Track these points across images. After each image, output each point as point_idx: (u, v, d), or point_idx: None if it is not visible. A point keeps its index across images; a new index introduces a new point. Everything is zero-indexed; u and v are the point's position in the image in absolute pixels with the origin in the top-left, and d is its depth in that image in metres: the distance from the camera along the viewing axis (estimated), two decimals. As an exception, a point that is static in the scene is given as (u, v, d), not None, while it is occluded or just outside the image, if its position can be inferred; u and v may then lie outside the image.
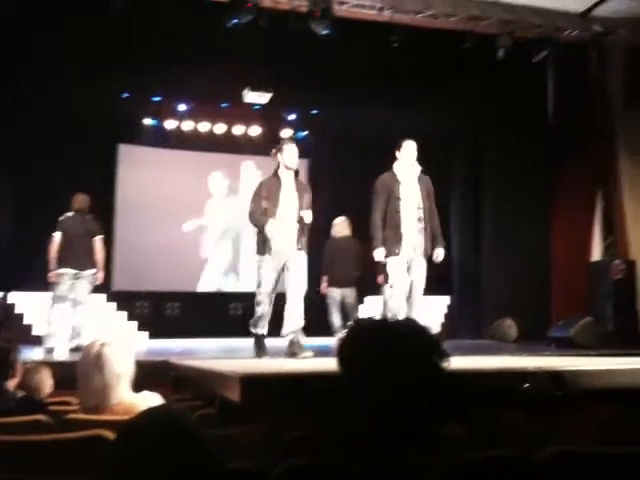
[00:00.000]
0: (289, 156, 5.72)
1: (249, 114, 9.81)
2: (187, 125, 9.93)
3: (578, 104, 8.30)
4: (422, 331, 1.41)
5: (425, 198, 5.82)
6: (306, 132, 10.30)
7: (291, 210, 5.64)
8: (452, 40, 7.48)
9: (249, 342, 5.68)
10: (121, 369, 2.46)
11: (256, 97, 8.72)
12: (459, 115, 9.49)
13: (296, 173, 5.78)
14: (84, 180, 7.83)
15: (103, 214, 9.14)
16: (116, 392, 2.43)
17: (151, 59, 7.56)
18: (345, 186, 9.08)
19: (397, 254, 5.67)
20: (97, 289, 6.97)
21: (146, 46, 7.30)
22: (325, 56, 7.40)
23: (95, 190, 7.45)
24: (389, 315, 4.79)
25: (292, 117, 10.20)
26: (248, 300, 10.14)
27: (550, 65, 8.46)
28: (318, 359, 5.00)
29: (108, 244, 9.34)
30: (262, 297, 5.57)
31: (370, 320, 1.50)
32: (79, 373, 2.51)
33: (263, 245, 5.54)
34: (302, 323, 5.53)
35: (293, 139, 5.93)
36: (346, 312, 7.56)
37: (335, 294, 7.61)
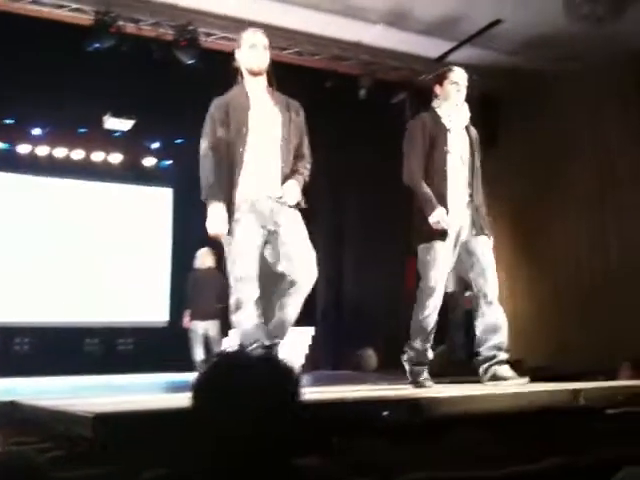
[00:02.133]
0: (251, 52, 3.62)
1: (109, 141, 9.51)
2: (42, 150, 9.45)
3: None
4: (278, 363, 1.39)
5: (476, 156, 4.09)
6: (170, 162, 10.13)
7: (271, 140, 3.59)
8: (317, 78, 7.68)
9: (105, 379, 5.40)
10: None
11: (117, 123, 8.48)
12: (322, 150, 9.72)
13: (270, 82, 3.73)
14: None
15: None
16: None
17: (2, 80, 7.14)
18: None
19: (442, 236, 3.91)
20: None
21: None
22: (190, 85, 7.33)
23: None
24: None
25: (156, 145, 10.00)
26: (105, 335, 9.80)
27: (408, 107, 8.88)
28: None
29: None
30: (240, 284, 3.48)
31: (225, 352, 1.46)
32: None
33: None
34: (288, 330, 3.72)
35: (255, 30, 3.69)
36: (209, 346, 7.40)
37: (197, 327, 7.43)
